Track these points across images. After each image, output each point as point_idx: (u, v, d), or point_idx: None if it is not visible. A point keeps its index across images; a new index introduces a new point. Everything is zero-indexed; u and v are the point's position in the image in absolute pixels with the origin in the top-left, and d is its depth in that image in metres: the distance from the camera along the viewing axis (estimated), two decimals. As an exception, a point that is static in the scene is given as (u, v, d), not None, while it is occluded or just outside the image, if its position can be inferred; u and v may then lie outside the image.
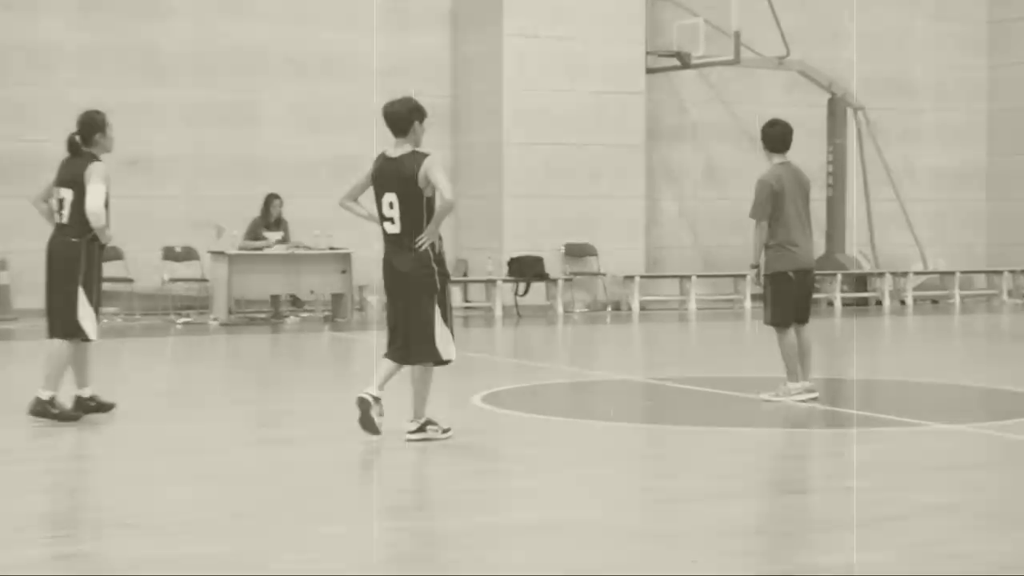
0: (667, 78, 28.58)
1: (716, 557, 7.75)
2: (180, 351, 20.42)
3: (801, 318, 13.89)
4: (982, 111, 31.86)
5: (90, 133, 12.93)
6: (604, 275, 27.20)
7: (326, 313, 24.58)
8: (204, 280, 24.48)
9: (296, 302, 24.57)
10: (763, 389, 14.09)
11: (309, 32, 26.40)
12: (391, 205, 11.37)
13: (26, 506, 9.13)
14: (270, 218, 23.92)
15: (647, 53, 27.69)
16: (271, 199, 23.98)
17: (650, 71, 27.83)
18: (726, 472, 10.57)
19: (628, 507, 9.33)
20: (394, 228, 11.39)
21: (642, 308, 27.09)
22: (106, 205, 12.76)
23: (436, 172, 11.30)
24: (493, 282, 25.55)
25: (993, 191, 31.87)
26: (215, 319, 23.39)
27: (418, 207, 11.30)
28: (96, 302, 12.79)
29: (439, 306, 11.38)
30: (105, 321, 23.38)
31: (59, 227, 12.86)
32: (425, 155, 11.40)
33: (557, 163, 26.69)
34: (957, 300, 29.66)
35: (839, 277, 28.48)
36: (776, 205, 13.79)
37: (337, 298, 24.30)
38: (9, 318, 23.80)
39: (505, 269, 25.99)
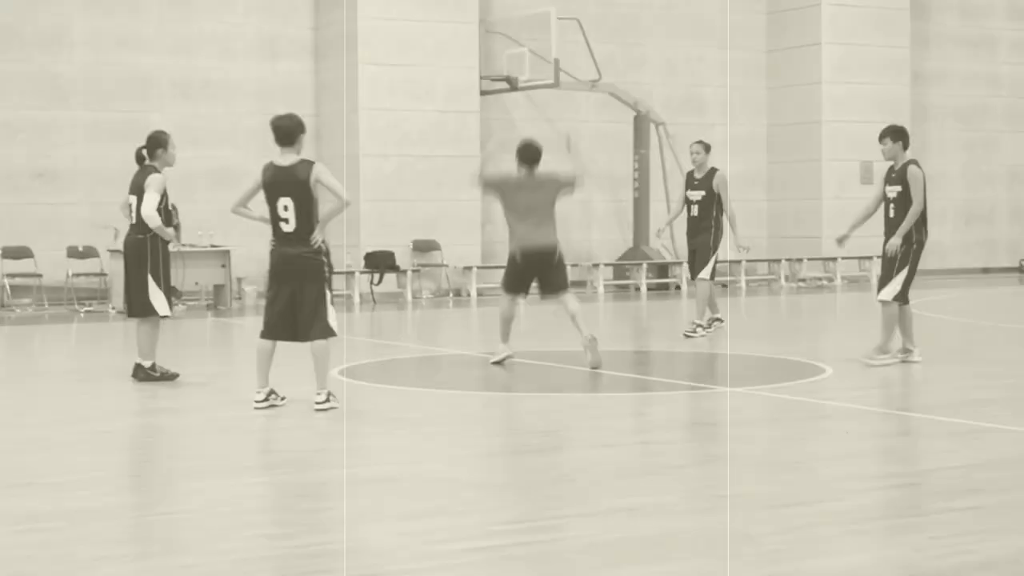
0: (498, 99, 28.72)
1: (538, 502, 7.93)
2: (84, 336, 20.27)
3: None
4: (762, 125, 32.32)
5: (154, 148, 13.59)
6: (447, 266, 27.31)
7: (208, 302, 24.50)
8: (103, 274, 24.30)
9: (176, 293, 24.40)
10: (583, 362, 14.27)
11: (191, 61, 26.28)
12: (286, 207, 11.33)
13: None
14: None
15: (481, 78, 27.80)
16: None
17: (484, 93, 27.96)
18: (546, 430, 10.76)
19: (462, 461, 9.46)
20: (289, 227, 11.36)
21: (479, 294, 27.22)
22: (167, 209, 13.50)
23: (328, 177, 11.38)
24: (352, 273, 25.58)
25: (772, 192, 32.38)
26: (113, 308, 23.22)
27: (309, 208, 11.32)
28: (165, 287, 13.51)
29: (329, 290, 11.49)
30: (18, 311, 23.28)
31: (131, 227, 13.66)
32: (312, 163, 11.44)
33: (405, 171, 26.79)
34: (743, 284, 30.11)
35: (644, 266, 28.81)
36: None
37: (218, 289, 24.23)
38: None
39: (362, 262, 26.06)
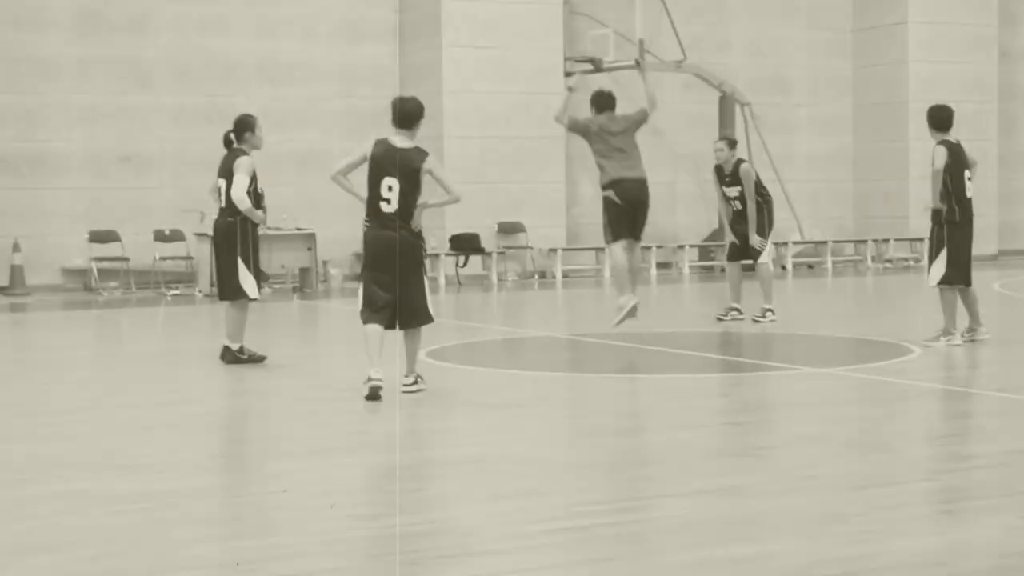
0: (582, 79, 28.65)
1: (625, 483, 7.94)
2: (171, 319, 20.47)
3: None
4: (848, 105, 32.08)
5: (241, 131, 13.64)
6: (532, 248, 27.33)
7: (295, 285, 24.66)
8: (190, 258, 24.52)
9: (264, 276, 24.54)
10: (666, 343, 14.25)
11: (275, 44, 26.44)
12: (390, 188, 11.15)
13: (29, 451, 9.24)
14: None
15: (565, 59, 27.77)
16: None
17: (568, 74, 27.91)
18: (633, 412, 10.76)
19: (549, 443, 9.48)
20: (389, 208, 11.16)
21: (564, 276, 27.24)
22: (256, 192, 13.47)
23: (441, 172, 11.40)
24: (437, 256, 25.65)
25: (858, 173, 32.12)
26: (200, 291, 23.43)
27: (415, 194, 11.20)
28: (255, 269, 13.57)
29: (425, 274, 11.49)
30: (106, 294, 23.54)
31: (220, 211, 13.67)
32: (426, 153, 11.32)
33: (490, 154, 26.82)
34: (829, 265, 29.94)
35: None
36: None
37: (304, 272, 24.38)
38: (24, 293, 23.79)
39: (448, 244, 26.13)
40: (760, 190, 17.35)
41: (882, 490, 7.58)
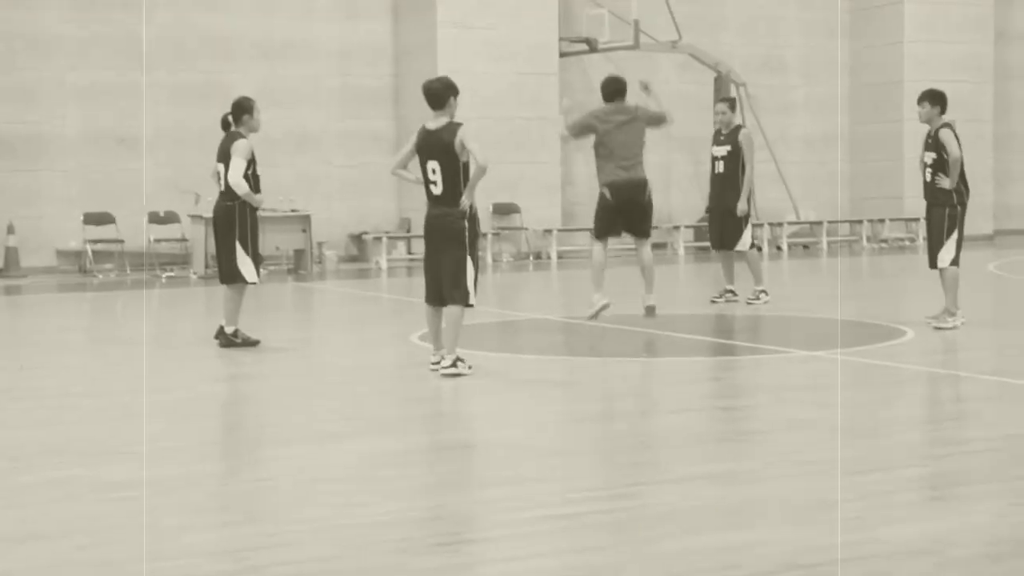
0: (577, 61, 28.67)
1: (617, 469, 7.95)
2: (165, 301, 20.47)
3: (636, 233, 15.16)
4: (843, 85, 32.08)
5: (239, 114, 13.64)
6: (527, 229, 27.34)
7: (289, 267, 24.67)
8: (184, 240, 24.53)
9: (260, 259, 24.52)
10: (660, 326, 14.25)
11: (272, 22, 26.40)
12: (434, 171, 11.44)
13: (22, 438, 9.24)
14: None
15: (560, 39, 27.78)
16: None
17: (563, 55, 27.93)
18: (626, 396, 10.77)
19: (542, 428, 9.47)
20: (437, 190, 11.47)
21: (559, 257, 27.26)
22: (255, 175, 13.50)
23: (470, 141, 11.34)
24: (432, 237, 25.63)
25: (853, 154, 32.15)
26: (195, 273, 23.44)
27: (456, 171, 11.37)
28: (253, 253, 13.60)
29: (471, 257, 11.49)
30: (100, 276, 23.54)
31: (220, 194, 13.67)
32: (459, 124, 11.44)
33: (484, 134, 26.68)
34: (824, 245, 29.96)
35: (726, 228, 28.67)
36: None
37: (299, 253, 24.39)
38: (19, 275, 23.80)
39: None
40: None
41: (873, 476, 7.60)
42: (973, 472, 7.78)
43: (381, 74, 27.04)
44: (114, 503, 7.16)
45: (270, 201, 24.06)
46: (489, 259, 26.18)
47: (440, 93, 11.57)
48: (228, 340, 13.55)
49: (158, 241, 24.50)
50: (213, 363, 12.78)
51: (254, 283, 13.71)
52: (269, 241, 23.50)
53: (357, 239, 26.50)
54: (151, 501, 7.20)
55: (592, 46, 27.85)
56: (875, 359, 12.20)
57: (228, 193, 13.50)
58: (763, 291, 17.22)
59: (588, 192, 29.12)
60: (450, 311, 11.57)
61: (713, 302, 17.32)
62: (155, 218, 24.54)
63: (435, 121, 11.56)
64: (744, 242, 17.25)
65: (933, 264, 14.42)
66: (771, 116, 30.73)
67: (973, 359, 12.42)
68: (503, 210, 27.11)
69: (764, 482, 7.51)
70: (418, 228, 25.82)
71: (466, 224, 11.46)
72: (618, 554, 6.11)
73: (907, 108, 30.50)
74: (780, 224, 30.07)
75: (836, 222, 31.19)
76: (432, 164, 11.45)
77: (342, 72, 26.71)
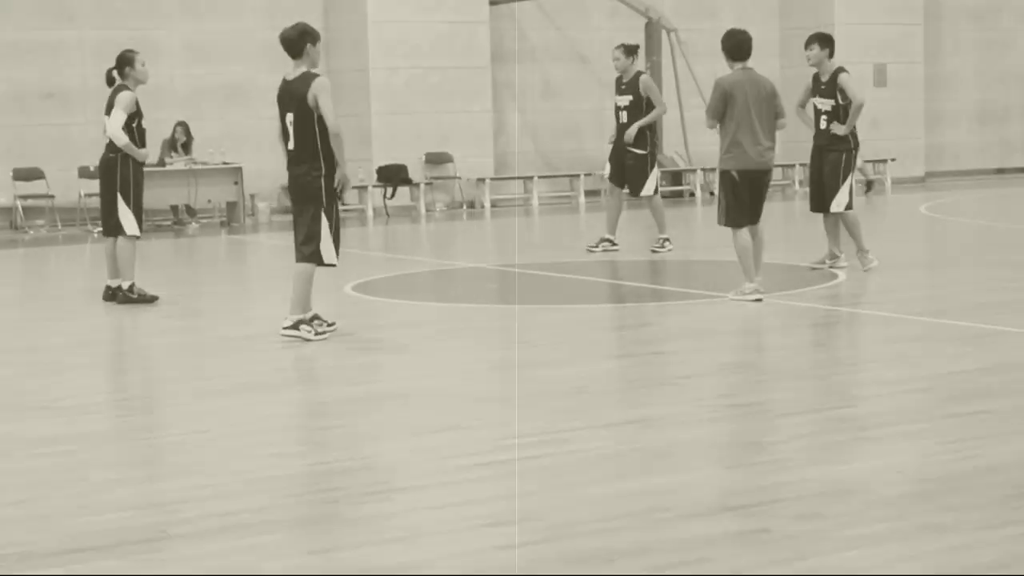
0: (508, 8, 28.57)
1: (547, 415, 7.98)
2: (97, 257, 20.32)
3: (752, 219, 12.60)
4: (775, 29, 32.14)
5: (122, 66, 13.57)
6: (459, 178, 27.29)
7: (222, 219, 24.55)
8: (116, 194, 24.35)
9: (190, 211, 24.41)
10: (592, 272, 14.28)
11: (198, -24, 26.15)
12: (291, 124, 10.84)
13: (-35, 394, 9.19)
14: (176, 142, 23.91)
15: (491, -13, 27.69)
16: (176, 126, 24.01)
17: (493, 3, 27.79)
18: (558, 342, 10.80)
19: (473, 376, 9.50)
20: (291, 144, 10.88)
21: (493, 205, 27.25)
22: (138, 129, 13.36)
23: (323, 98, 10.64)
24: (365, 187, 25.58)
25: (786, 98, 32.19)
26: (126, 228, 23.29)
27: (310, 125, 10.73)
28: (135, 206, 13.40)
29: (325, 215, 10.87)
30: (31, 232, 23.36)
31: (106, 146, 13.53)
32: (315, 76, 10.78)
33: (416, 84, 26.71)
34: (758, 190, 30.08)
35: (659, 173, 28.72)
36: (730, 108, 12.27)
37: (231, 206, 24.27)
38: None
39: (375, 176, 26.04)
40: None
41: (802, 417, 7.67)
42: (900, 412, 7.86)
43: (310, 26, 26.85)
44: (45, 458, 7.15)
45: (201, 154, 23.98)
46: (422, 209, 26.15)
47: (295, 41, 10.88)
48: (125, 296, 13.35)
49: (89, 196, 24.27)
50: (145, 317, 12.71)
51: (135, 236, 13.46)
52: (201, 194, 23.41)
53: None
54: (80, 456, 7.20)
55: (523, -8, 27.77)
56: (807, 302, 12.29)
57: (111, 146, 13.39)
58: (667, 239, 17.06)
59: (520, 141, 29.15)
60: (298, 268, 10.97)
61: (590, 251, 17.09)
62: (85, 173, 24.30)
63: (294, 71, 10.91)
64: (648, 188, 17.10)
65: (821, 208, 14.41)
66: (703, 61, 30.74)
67: (902, 299, 12.52)
68: (435, 159, 27.05)
69: (694, 425, 7.56)
70: (351, 178, 25.80)
71: (323, 183, 10.82)
72: (549, 499, 6.15)
73: (839, 51, 30.57)
74: (712, 170, 30.14)
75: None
76: (289, 117, 10.85)
77: (270, 26, 26.45)
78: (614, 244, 17.15)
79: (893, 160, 30.98)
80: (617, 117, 17.18)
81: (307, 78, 10.77)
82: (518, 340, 11.09)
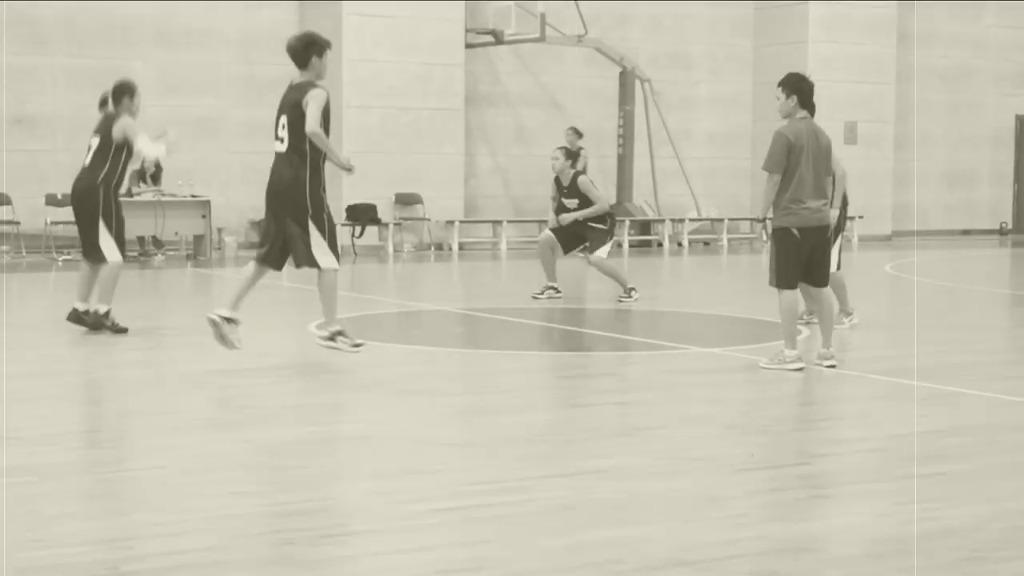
0: (484, 52, 28.70)
1: (508, 463, 7.97)
2: (61, 285, 20.26)
3: (813, 280, 11.75)
4: (748, 83, 32.33)
5: (120, 95, 13.57)
6: (429, 220, 27.33)
7: (188, 252, 24.52)
8: (82, 223, 24.28)
9: (157, 243, 24.38)
10: (557, 319, 14.28)
11: (173, 7, 26.14)
12: (283, 127, 11.06)
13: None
14: (145, 172, 23.88)
15: (466, 30, 27.76)
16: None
17: (469, 46, 27.93)
18: (521, 390, 10.80)
19: (435, 421, 9.47)
20: (281, 147, 11.09)
21: (461, 248, 27.29)
22: (124, 159, 13.42)
23: (311, 103, 10.88)
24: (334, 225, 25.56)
25: (756, 151, 32.36)
26: (92, 257, 23.22)
27: (300, 130, 10.94)
28: (117, 234, 13.41)
29: (313, 222, 11.09)
30: (-5, 258, 23.28)
31: (83, 169, 13.53)
32: (314, 86, 11.05)
33: (389, 124, 26.79)
34: (725, 242, 30.20)
35: (627, 223, 28.87)
36: (792, 160, 11.46)
37: (198, 239, 24.25)
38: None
39: (344, 214, 26.04)
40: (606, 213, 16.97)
41: (760, 473, 7.69)
42: (858, 471, 7.89)
43: (284, 62, 26.83)
44: (0, 488, 7.11)
45: (169, 186, 23.95)
46: (390, 249, 26.16)
47: (299, 52, 11.21)
48: (99, 321, 13.35)
49: (55, 224, 24.22)
50: (105, 348, 12.67)
51: (117, 263, 13.48)
52: (168, 226, 23.36)
53: (257, 226, 26.37)
54: (35, 488, 7.16)
55: (498, 38, 27.87)
56: (768, 357, 12.30)
57: (93, 171, 13.36)
58: (633, 288, 16.92)
59: (490, 185, 29.24)
60: (320, 281, 11.31)
61: (535, 298, 17.04)
62: (52, 200, 24.26)
63: (298, 79, 11.22)
64: (603, 251, 16.83)
65: None
66: (675, 112, 30.92)
67: (864, 358, 12.55)
68: (405, 200, 27.09)
69: (653, 478, 7.57)
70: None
71: (308, 190, 11.05)
72: (504, 548, 6.15)
73: (809, 108, 30.80)
74: (682, 220, 30.27)
75: (737, 219, 31.42)
76: (282, 120, 11.08)
77: (245, 60, 26.51)
78: (558, 291, 17.08)
79: (861, 218, 31.14)
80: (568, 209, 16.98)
81: (306, 87, 11.04)
82: (481, 386, 11.09)
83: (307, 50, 11.20)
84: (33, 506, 6.78)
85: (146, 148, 13.29)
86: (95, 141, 13.49)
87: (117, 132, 13.29)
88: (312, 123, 10.88)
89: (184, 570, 5.74)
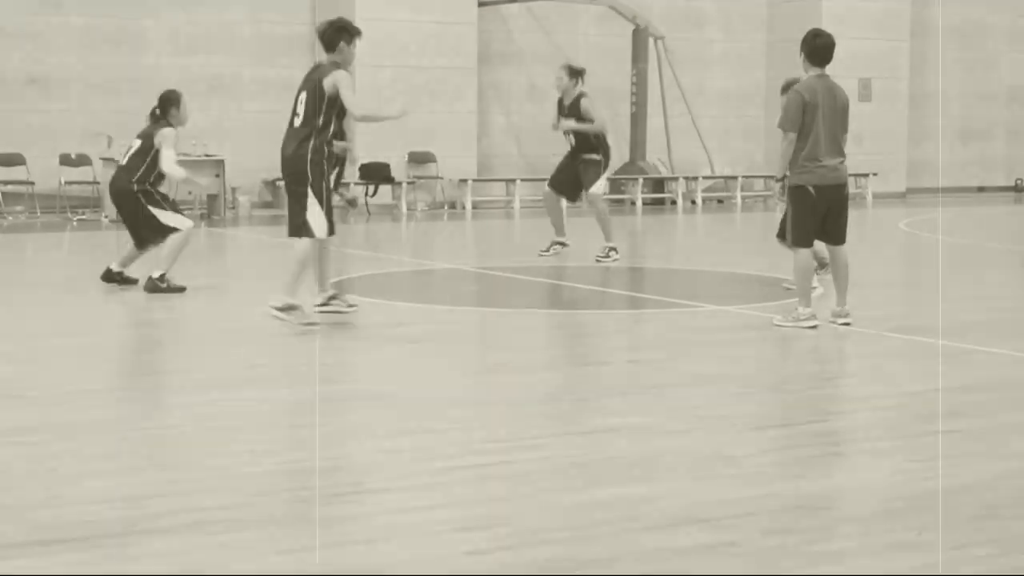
0: (496, 10, 28.59)
1: (522, 421, 7.99)
2: (76, 244, 20.29)
3: (830, 237, 11.62)
4: (762, 41, 32.18)
5: (167, 108, 13.79)
6: (442, 179, 27.29)
7: (202, 212, 24.50)
8: (96, 183, 24.27)
9: (174, 205, 24.33)
10: (571, 278, 14.27)
11: (187, -33, 26.08)
12: (300, 102, 11.14)
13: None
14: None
15: (480, -11, 27.69)
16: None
17: (482, 4, 27.81)
18: (535, 348, 10.81)
19: (450, 379, 9.49)
20: (297, 121, 11.17)
21: (474, 207, 27.24)
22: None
23: (344, 89, 10.97)
24: (347, 184, 25.54)
25: (770, 109, 32.25)
26: (106, 216, 23.22)
27: (318, 105, 11.04)
28: (172, 207, 13.92)
29: (312, 190, 11.09)
30: (10, 219, 23.29)
31: (119, 168, 13.96)
32: (337, 67, 11.12)
33: (402, 82, 26.69)
34: (739, 200, 30.13)
35: (640, 181, 28.82)
36: (807, 118, 11.30)
37: (212, 199, 24.24)
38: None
39: (357, 174, 26.00)
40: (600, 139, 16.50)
41: (774, 431, 7.70)
42: (872, 429, 7.89)
43: (297, 21, 26.83)
44: (17, 447, 7.13)
45: (183, 145, 23.90)
46: (404, 208, 26.14)
47: (329, 36, 11.31)
48: (155, 285, 13.45)
49: (69, 184, 24.23)
50: (121, 307, 12.70)
51: (188, 227, 13.87)
52: (182, 186, 23.30)
53: (271, 185, 26.35)
54: (53, 447, 7.18)
55: (512, -5, 27.78)
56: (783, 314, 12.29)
57: (129, 170, 13.68)
58: (612, 248, 16.43)
59: (503, 144, 29.17)
60: (297, 247, 11.30)
61: (541, 255, 16.72)
62: (67, 160, 24.27)
63: (323, 61, 11.36)
64: (598, 186, 16.34)
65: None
66: (689, 70, 30.80)
67: (879, 316, 12.53)
68: (418, 159, 27.05)
69: (667, 436, 7.57)
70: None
71: (309, 158, 11.09)
72: (519, 505, 6.16)
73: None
74: (695, 178, 30.19)
75: (751, 177, 31.34)
76: (302, 96, 11.17)
77: (256, 19, 26.44)
78: (565, 245, 16.77)
79: (875, 175, 31.06)
80: (567, 139, 16.68)
81: (329, 68, 11.14)
82: (495, 345, 11.10)
83: (338, 34, 11.30)
84: (49, 465, 6.80)
85: (167, 163, 13.52)
86: (136, 143, 13.79)
87: (158, 140, 13.57)
88: (357, 109, 11.13)
89: (201, 528, 5.76)
